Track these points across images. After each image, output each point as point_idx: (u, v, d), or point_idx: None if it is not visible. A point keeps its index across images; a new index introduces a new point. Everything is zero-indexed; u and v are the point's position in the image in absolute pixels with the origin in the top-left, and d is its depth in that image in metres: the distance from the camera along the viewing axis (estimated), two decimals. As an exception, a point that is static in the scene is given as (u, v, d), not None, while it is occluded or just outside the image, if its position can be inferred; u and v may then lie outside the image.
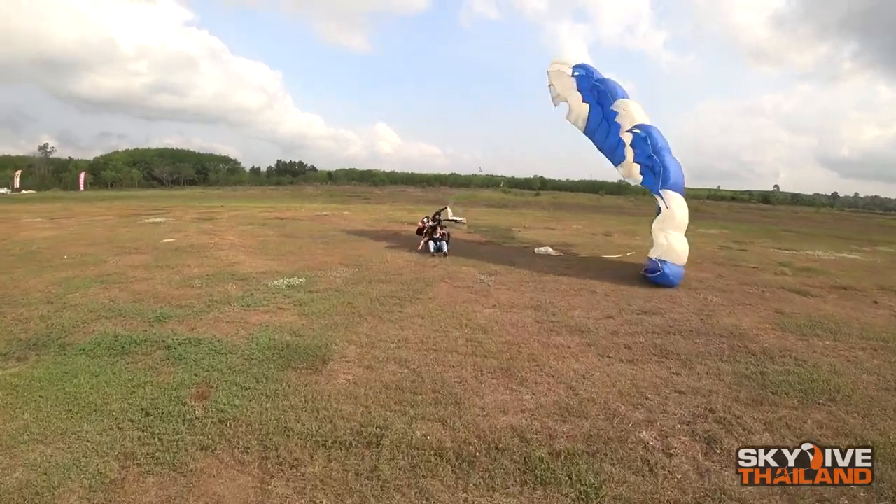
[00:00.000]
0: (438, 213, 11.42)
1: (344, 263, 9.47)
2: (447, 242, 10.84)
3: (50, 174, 75.05)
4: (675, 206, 8.76)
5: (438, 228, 11.04)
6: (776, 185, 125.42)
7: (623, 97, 9.57)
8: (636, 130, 9.06)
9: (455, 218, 11.19)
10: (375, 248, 11.54)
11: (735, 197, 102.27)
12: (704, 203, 71.51)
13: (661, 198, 8.73)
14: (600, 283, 8.45)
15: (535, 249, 11.64)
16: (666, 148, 9.00)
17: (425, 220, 11.49)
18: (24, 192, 55.04)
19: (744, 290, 8.60)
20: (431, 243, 10.73)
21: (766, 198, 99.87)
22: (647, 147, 8.90)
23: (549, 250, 11.45)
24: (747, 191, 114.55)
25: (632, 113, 9.25)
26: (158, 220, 18.26)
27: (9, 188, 57.12)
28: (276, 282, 7.71)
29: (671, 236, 8.55)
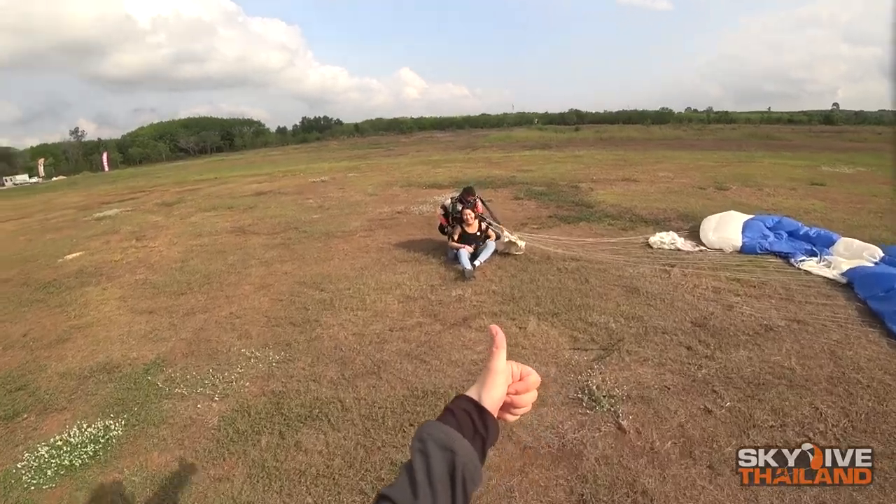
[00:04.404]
0: (466, 199, 5.70)
1: (273, 320, 4.36)
2: (485, 251, 5.43)
3: (81, 158, 73.14)
4: None
5: (473, 219, 5.51)
6: (835, 104, 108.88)
7: None
8: None
9: (509, 237, 5.42)
10: (357, 257, 6.24)
11: (792, 119, 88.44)
12: (760, 128, 60.68)
13: None
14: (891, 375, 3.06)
15: (651, 240, 5.73)
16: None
17: (447, 205, 5.85)
18: (53, 179, 52.58)
19: None
20: (464, 253, 5.26)
21: (827, 118, 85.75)
22: None
23: (677, 239, 5.71)
24: (803, 111, 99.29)
25: None
26: (113, 211, 13.78)
27: (38, 177, 55.17)
28: (57, 436, 2.80)
29: None
